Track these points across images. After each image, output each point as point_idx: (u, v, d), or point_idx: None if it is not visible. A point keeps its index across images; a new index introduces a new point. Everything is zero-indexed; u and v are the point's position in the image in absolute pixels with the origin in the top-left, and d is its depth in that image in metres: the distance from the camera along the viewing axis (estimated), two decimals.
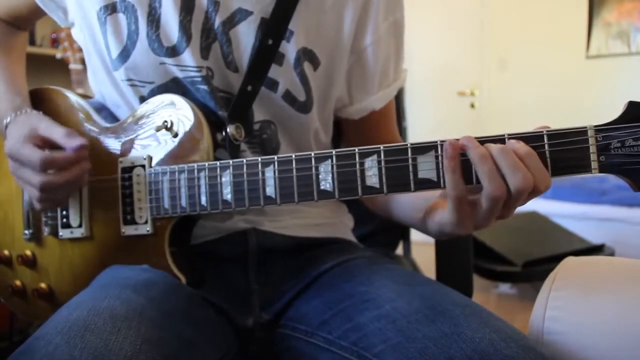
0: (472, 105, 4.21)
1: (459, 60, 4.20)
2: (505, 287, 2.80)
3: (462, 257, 0.99)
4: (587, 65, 3.87)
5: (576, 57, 3.90)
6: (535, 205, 2.88)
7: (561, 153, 0.51)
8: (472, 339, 0.52)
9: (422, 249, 1.65)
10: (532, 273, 2.25)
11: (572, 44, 3.90)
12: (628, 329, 0.54)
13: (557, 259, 0.72)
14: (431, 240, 1.02)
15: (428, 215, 0.63)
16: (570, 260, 0.64)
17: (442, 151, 0.54)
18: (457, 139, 0.53)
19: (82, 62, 2.08)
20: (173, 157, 0.67)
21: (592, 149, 0.50)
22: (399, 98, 1.08)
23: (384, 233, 1.18)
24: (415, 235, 1.34)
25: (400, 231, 1.23)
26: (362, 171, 0.56)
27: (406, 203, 0.72)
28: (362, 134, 0.82)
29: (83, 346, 0.48)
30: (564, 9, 3.89)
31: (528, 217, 2.67)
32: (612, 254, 2.48)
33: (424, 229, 0.66)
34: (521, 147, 0.51)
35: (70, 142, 0.66)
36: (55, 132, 0.68)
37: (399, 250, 1.27)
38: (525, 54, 3.99)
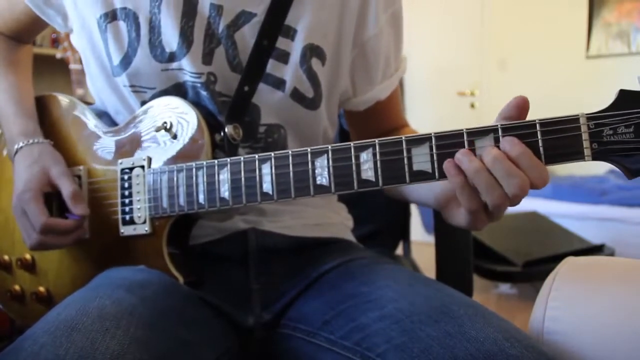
0: (472, 105, 4.21)
1: (459, 60, 4.20)
2: (505, 287, 2.80)
3: (462, 257, 0.99)
4: (587, 65, 3.87)
5: (576, 57, 3.90)
6: (535, 205, 2.88)
7: (554, 141, 0.51)
8: (476, 338, 0.52)
9: (422, 249, 1.65)
10: (532, 273, 2.25)
11: (572, 44, 3.90)
12: (628, 329, 0.54)
13: (557, 259, 0.72)
14: (431, 240, 1.02)
15: (444, 209, 0.64)
16: (570, 260, 0.64)
17: (436, 142, 0.54)
18: (453, 133, 0.53)
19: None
20: (172, 158, 0.68)
21: (585, 136, 0.50)
22: None
23: (383, 233, 1.18)
24: (415, 235, 1.34)
25: (400, 231, 1.24)
26: (358, 165, 0.57)
27: (420, 187, 0.72)
28: (370, 123, 0.83)
29: (69, 345, 0.48)
30: (564, 9, 3.89)
31: (528, 217, 2.68)
32: (612, 254, 2.48)
33: (435, 209, 0.67)
34: (514, 147, 0.51)
35: (76, 208, 0.69)
36: (65, 187, 0.70)
37: (399, 250, 1.27)
38: (525, 54, 3.99)
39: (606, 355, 0.54)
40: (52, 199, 0.72)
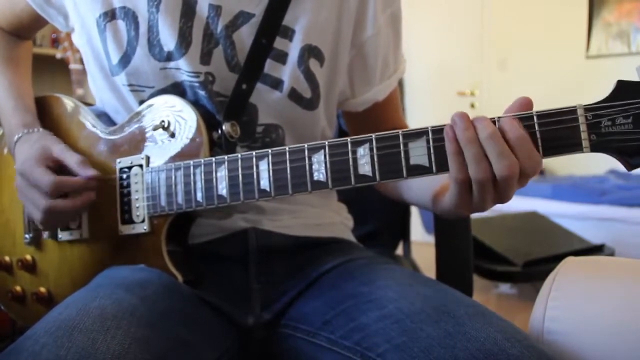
0: (472, 105, 4.21)
1: (459, 60, 4.21)
2: (505, 287, 2.80)
3: (462, 257, 0.99)
4: (587, 65, 3.88)
5: (576, 57, 3.91)
6: (535, 205, 2.88)
7: (551, 133, 0.51)
8: (477, 338, 0.52)
9: (422, 249, 1.65)
10: (532, 273, 2.24)
11: (572, 44, 3.90)
12: (628, 329, 0.54)
13: (557, 259, 0.72)
14: (431, 240, 1.02)
15: (436, 199, 0.64)
16: (570, 260, 0.64)
17: (433, 135, 0.54)
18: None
19: (82, 62, 2.08)
20: (170, 156, 0.68)
21: (583, 127, 0.50)
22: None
23: (383, 233, 1.18)
24: (415, 235, 1.34)
25: (400, 231, 1.24)
26: (355, 160, 0.57)
27: (415, 185, 0.73)
28: (368, 125, 0.83)
29: (70, 345, 0.48)
30: (564, 9, 3.89)
31: (528, 217, 2.67)
32: (612, 254, 2.47)
33: (431, 210, 0.68)
34: (514, 129, 0.51)
35: (84, 171, 0.68)
36: (70, 157, 0.69)
37: (399, 251, 1.27)
38: (525, 54, 4.00)
39: (606, 355, 0.54)
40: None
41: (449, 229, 0.99)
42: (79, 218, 0.72)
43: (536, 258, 2.28)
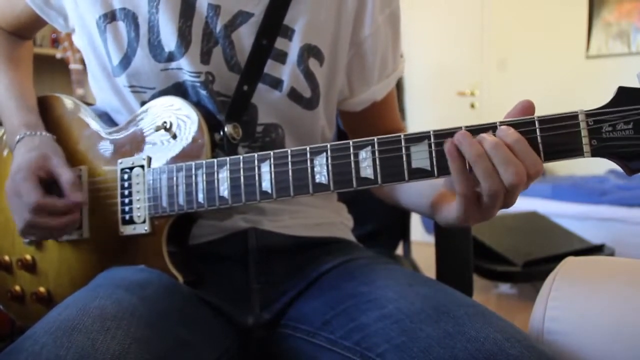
0: (472, 105, 4.21)
1: (459, 60, 4.21)
2: (505, 287, 2.80)
3: (462, 257, 0.99)
4: (587, 65, 3.87)
5: (576, 57, 3.90)
6: (535, 205, 2.88)
7: (553, 138, 0.51)
8: (476, 338, 0.52)
9: (422, 249, 1.65)
10: (532, 273, 2.25)
11: (572, 44, 3.90)
12: (628, 329, 0.54)
13: (557, 259, 0.72)
14: (431, 240, 1.02)
15: (436, 208, 0.64)
16: (570, 260, 0.64)
17: (434, 139, 0.54)
18: (452, 131, 0.54)
19: (82, 62, 2.07)
20: (172, 157, 0.68)
21: (584, 132, 0.51)
22: (399, 98, 1.09)
23: (383, 233, 1.18)
24: (415, 235, 1.34)
25: (400, 231, 1.24)
26: (357, 163, 0.57)
27: (412, 189, 0.73)
28: (365, 125, 0.83)
29: (69, 345, 0.48)
30: (564, 9, 3.89)
31: (528, 217, 2.68)
32: (612, 254, 2.48)
33: (429, 217, 0.68)
34: (509, 134, 0.52)
35: (73, 195, 0.68)
36: (64, 175, 0.69)
37: (399, 251, 1.27)
38: (525, 54, 4.00)
39: (606, 355, 0.54)
40: (46, 187, 0.70)
41: (449, 229, 0.99)
42: (68, 231, 0.72)
43: (536, 258, 2.28)
